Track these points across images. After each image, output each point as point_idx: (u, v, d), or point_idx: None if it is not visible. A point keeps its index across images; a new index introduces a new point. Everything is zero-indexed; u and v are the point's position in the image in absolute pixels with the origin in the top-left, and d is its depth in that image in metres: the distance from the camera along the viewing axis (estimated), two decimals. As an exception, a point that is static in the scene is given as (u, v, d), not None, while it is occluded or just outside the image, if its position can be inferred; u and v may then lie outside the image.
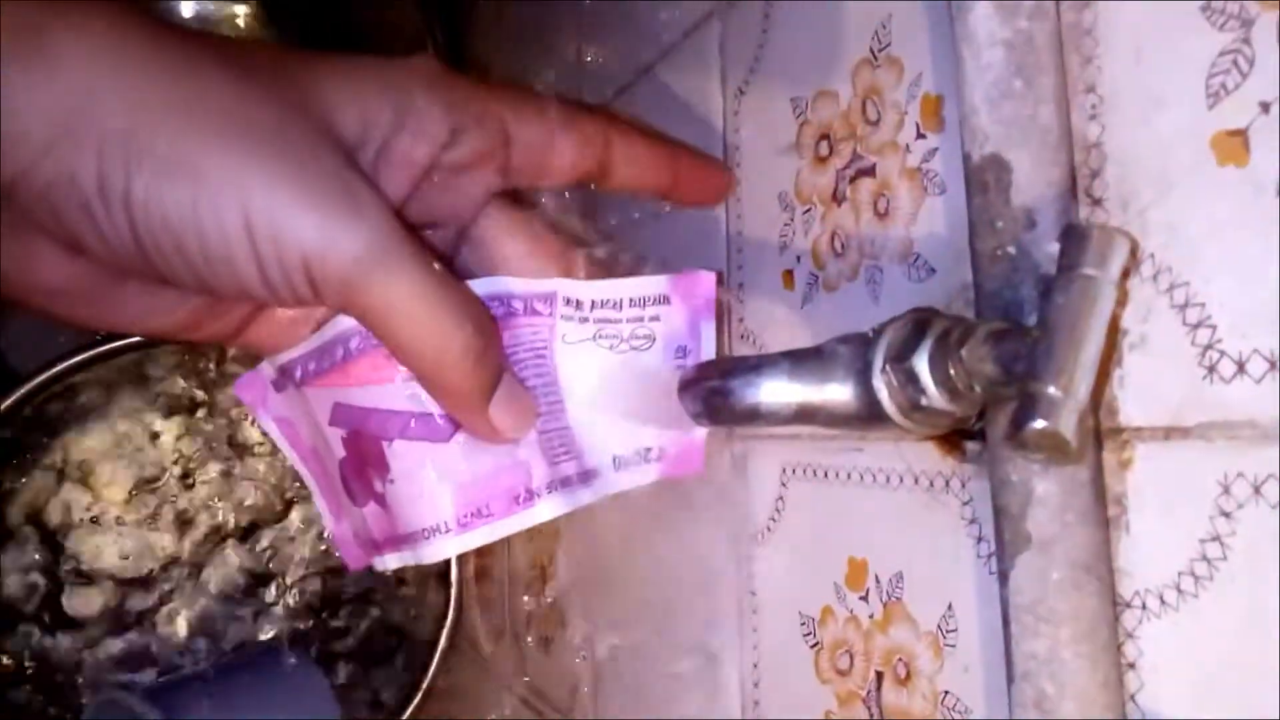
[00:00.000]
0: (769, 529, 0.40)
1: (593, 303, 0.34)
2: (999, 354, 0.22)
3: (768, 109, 0.41)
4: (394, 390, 0.31)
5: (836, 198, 0.36)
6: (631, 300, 0.35)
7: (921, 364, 0.24)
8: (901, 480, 0.33)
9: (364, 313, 0.28)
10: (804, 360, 0.26)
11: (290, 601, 0.86)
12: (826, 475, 0.37)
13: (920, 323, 0.25)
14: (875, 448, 0.34)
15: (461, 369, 0.29)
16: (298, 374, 0.33)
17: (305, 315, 0.33)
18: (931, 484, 0.31)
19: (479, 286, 0.32)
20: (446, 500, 0.32)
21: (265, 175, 0.26)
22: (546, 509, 0.33)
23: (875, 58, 0.34)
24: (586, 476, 0.34)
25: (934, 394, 0.24)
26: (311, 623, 0.85)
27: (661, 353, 0.36)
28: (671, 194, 0.38)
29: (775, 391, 0.27)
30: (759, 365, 0.27)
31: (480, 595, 0.82)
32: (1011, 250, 0.25)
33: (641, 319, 0.35)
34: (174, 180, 0.25)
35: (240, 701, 0.78)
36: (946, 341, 0.24)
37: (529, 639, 0.69)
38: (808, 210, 0.38)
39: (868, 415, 0.26)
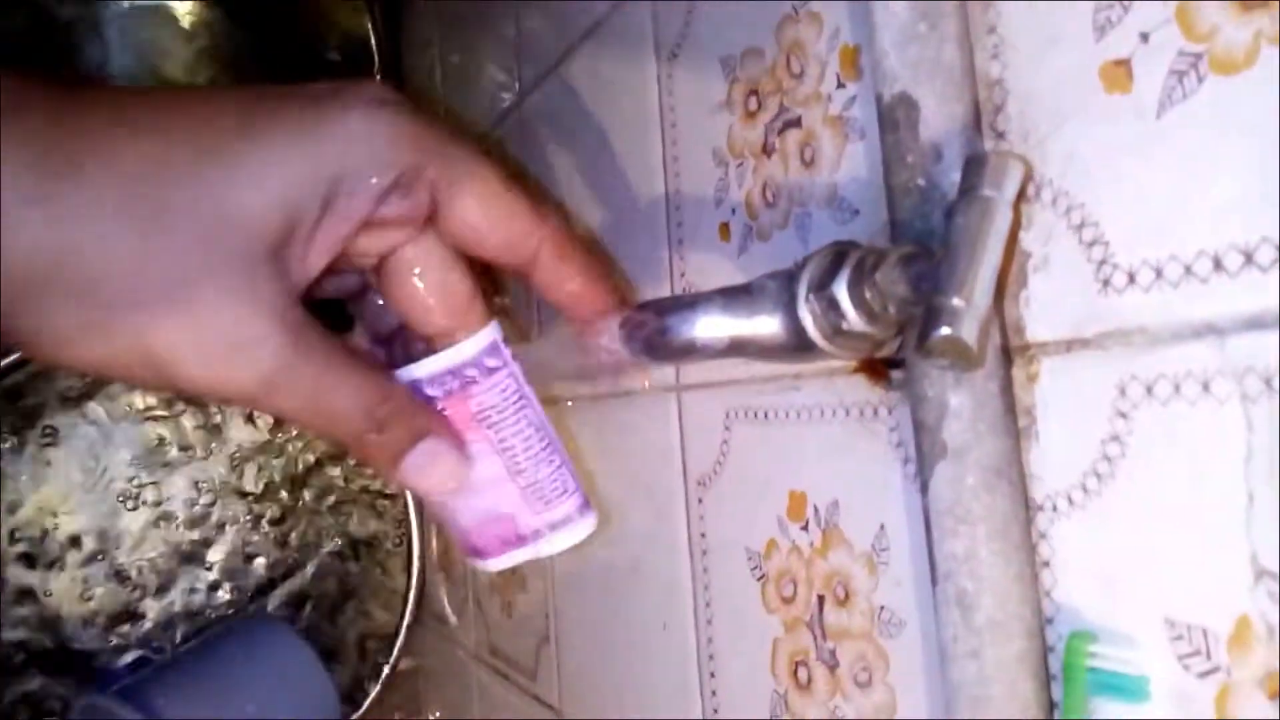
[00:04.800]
0: (715, 472, 0.42)
1: (478, 366, 0.34)
2: (909, 275, 0.24)
3: (699, 70, 0.42)
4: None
5: (766, 150, 0.38)
6: (487, 352, 0.34)
7: (840, 290, 0.26)
8: (835, 413, 0.34)
9: (275, 413, 0.30)
10: (735, 296, 0.28)
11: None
12: (766, 416, 0.38)
13: (839, 254, 0.27)
14: (811, 385, 0.36)
15: (365, 442, 0.31)
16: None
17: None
18: (862, 413, 0.33)
19: (420, 370, 0.32)
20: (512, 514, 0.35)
21: (167, 328, 0.27)
22: (547, 547, 0.34)
23: (797, 14, 0.36)
24: (586, 507, 0.34)
25: (853, 318, 0.26)
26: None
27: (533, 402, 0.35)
28: (567, 306, 0.35)
29: (709, 326, 0.28)
30: (693, 302, 0.29)
31: (445, 571, 0.83)
32: (921, 182, 0.26)
33: (510, 371, 0.34)
34: (88, 331, 0.27)
35: (216, 682, 0.79)
36: (862, 268, 0.26)
37: (494, 605, 0.70)
38: (740, 164, 0.39)
39: (796, 344, 0.27)
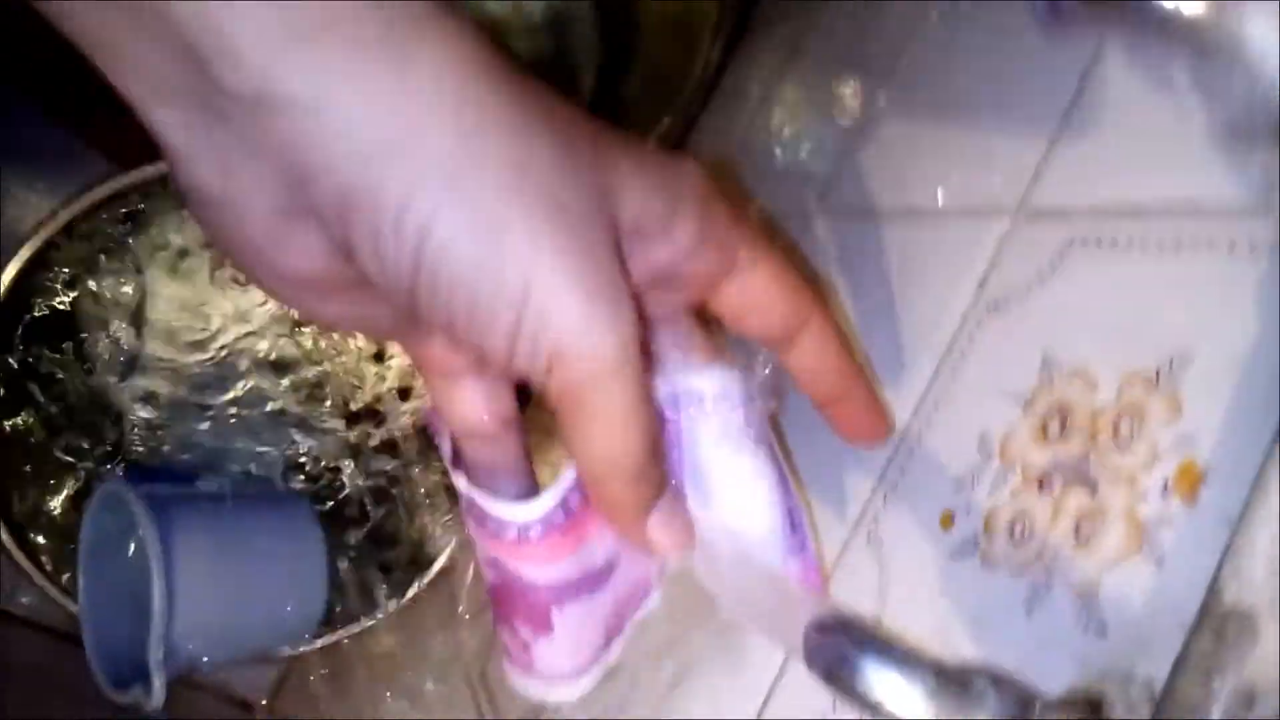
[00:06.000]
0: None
1: (714, 397, 0.35)
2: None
3: (1014, 343, 0.38)
4: (568, 564, 0.33)
5: (1042, 485, 0.34)
6: (741, 396, 0.35)
7: (1072, 782, 0.22)
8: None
9: (575, 408, 0.28)
10: (950, 684, 0.25)
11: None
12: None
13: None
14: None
15: (627, 483, 0.30)
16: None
17: (467, 357, 0.33)
18: None
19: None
20: (599, 640, 0.35)
21: (556, 251, 0.26)
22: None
23: (1157, 383, 0.32)
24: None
25: (1068, 819, 0.22)
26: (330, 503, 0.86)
27: (769, 456, 0.36)
28: (822, 405, 0.38)
29: (903, 699, 0.25)
30: (904, 659, 0.25)
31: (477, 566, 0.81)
32: (1214, 716, 0.22)
33: (750, 416, 0.35)
34: (477, 235, 0.25)
35: (235, 526, 0.79)
36: (1108, 778, 0.22)
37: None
38: (1005, 473, 0.35)
39: (982, 777, 0.24)
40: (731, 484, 0.34)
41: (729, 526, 0.34)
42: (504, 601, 0.36)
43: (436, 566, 0.83)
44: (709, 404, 0.34)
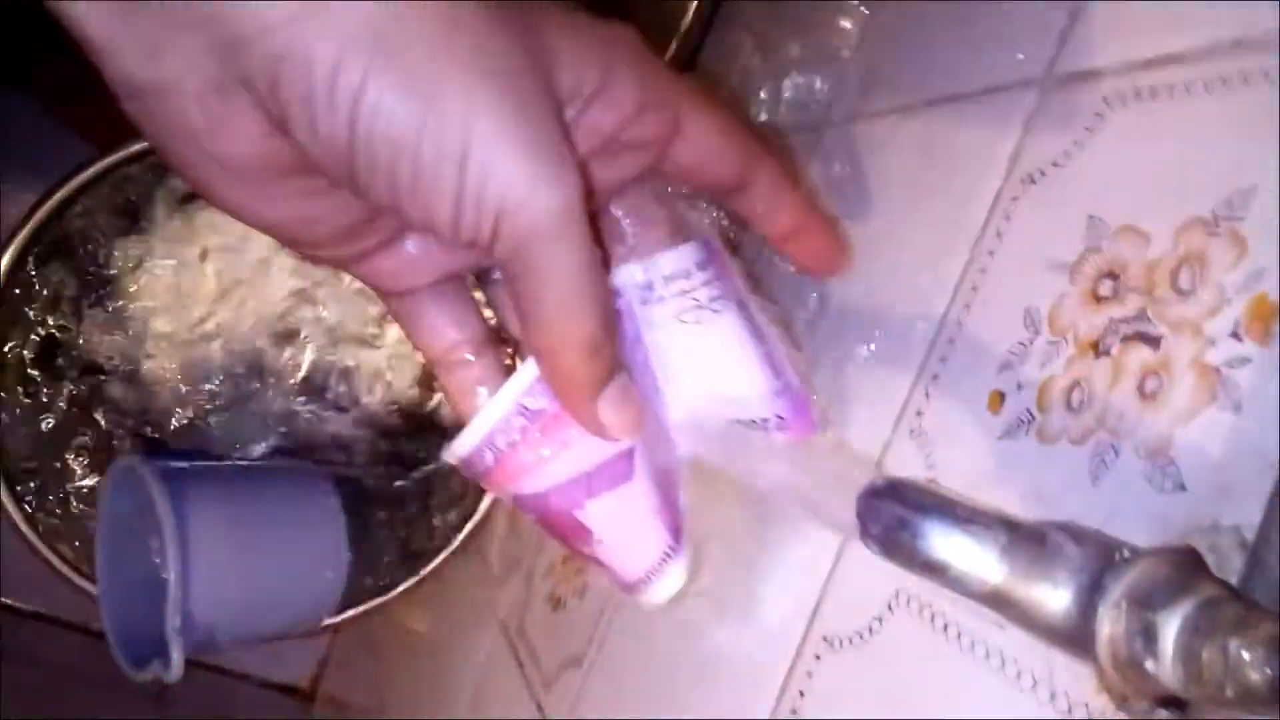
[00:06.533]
0: (853, 639, 0.36)
1: (664, 278, 0.34)
2: (1283, 671, 0.18)
3: (1054, 212, 0.36)
4: (556, 469, 0.32)
5: (1098, 349, 0.31)
6: (696, 265, 0.35)
7: (1170, 624, 0.20)
8: (1033, 684, 0.28)
9: (524, 274, 0.28)
10: (1023, 541, 0.22)
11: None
12: (934, 619, 0.33)
13: (1184, 572, 0.21)
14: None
15: (583, 355, 0.29)
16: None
17: (428, 260, 0.33)
18: (1070, 711, 0.27)
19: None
20: (659, 530, 0.33)
21: (494, 112, 0.26)
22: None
23: (1216, 224, 0.29)
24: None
25: (1168, 666, 0.20)
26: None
27: (735, 310, 0.35)
28: (780, 242, 0.38)
29: (976, 560, 0.22)
30: (969, 518, 0.23)
31: (513, 517, 0.79)
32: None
33: (709, 282, 0.35)
34: (410, 95, 0.25)
35: (251, 500, 0.77)
36: (1213, 615, 0.19)
37: (544, 589, 0.66)
38: (1055, 343, 0.33)
39: (1068, 636, 0.22)
40: (700, 357, 0.34)
41: (711, 398, 0.33)
42: (550, 528, 0.35)
43: (466, 530, 0.81)
44: (660, 287, 0.34)
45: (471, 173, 0.26)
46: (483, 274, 0.36)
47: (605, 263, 0.33)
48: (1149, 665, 0.20)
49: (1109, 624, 0.21)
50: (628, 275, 0.34)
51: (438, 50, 0.26)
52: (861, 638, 0.35)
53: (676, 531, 0.33)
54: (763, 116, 0.60)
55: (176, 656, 0.65)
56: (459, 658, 0.77)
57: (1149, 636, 0.20)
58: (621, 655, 0.52)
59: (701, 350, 0.34)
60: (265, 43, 0.25)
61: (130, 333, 0.79)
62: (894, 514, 0.24)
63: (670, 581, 0.34)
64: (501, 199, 0.27)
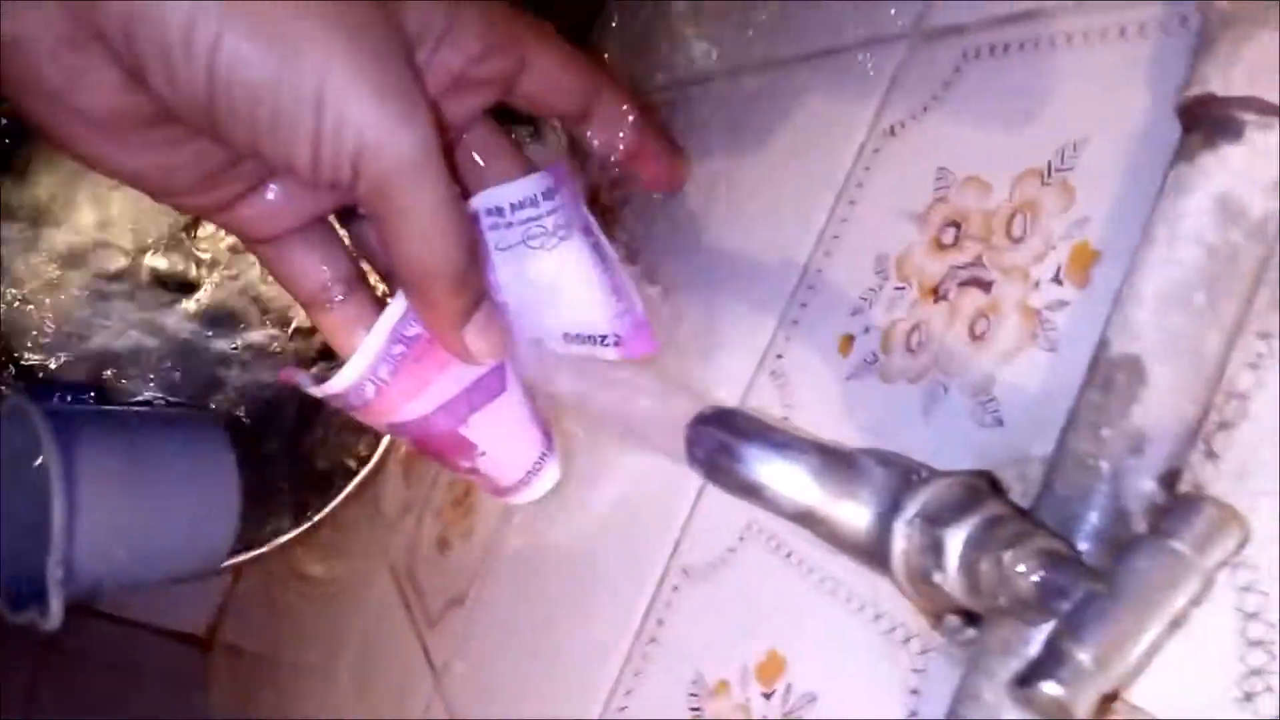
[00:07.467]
0: (707, 570, 0.37)
1: (511, 205, 0.35)
2: (1046, 581, 0.19)
3: (909, 164, 0.37)
4: (437, 390, 0.33)
5: (937, 293, 0.33)
6: (543, 194, 0.36)
7: (954, 539, 0.21)
8: (860, 606, 0.30)
9: (386, 212, 0.29)
10: (834, 464, 0.24)
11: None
12: (779, 549, 0.34)
13: (973, 493, 0.22)
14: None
15: (450, 287, 0.30)
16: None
17: (291, 204, 0.33)
18: (892, 630, 0.29)
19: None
20: (534, 434, 0.36)
21: (347, 58, 0.26)
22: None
23: (1049, 175, 0.31)
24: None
25: (952, 576, 0.21)
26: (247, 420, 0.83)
27: (580, 237, 0.37)
28: (625, 160, 0.40)
29: (790, 482, 0.24)
30: (785, 444, 0.24)
31: (406, 463, 0.79)
32: (1104, 465, 0.22)
33: (555, 210, 0.36)
34: (265, 43, 0.26)
35: (142, 446, 0.76)
36: (993, 531, 0.21)
37: (433, 533, 0.66)
38: (901, 289, 0.34)
39: (869, 552, 0.23)
40: (545, 280, 0.35)
41: (554, 317, 0.35)
42: (430, 451, 0.36)
43: (360, 475, 0.81)
44: (508, 214, 0.35)
45: (328, 117, 0.27)
46: (346, 212, 0.37)
47: (464, 195, 0.34)
48: (937, 578, 0.21)
49: (903, 540, 0.22)
50: (477, 203, 0.35)
51: (291, 1, 0.26)
52: (715, 568, 0.37)
53: (548, 434, 0.36)
54: (658, 72, 0.60)
55: (56, 605, 0.64)
56: (351, 602, 0.77)
57: (936, 551, 0.21)
58: (499, 594, 0.53)
59: (546, 273, 0.35)
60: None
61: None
62: (717, 439, 0.25)
63: (548, 478, 0.36)
64: (359, 140, 0.27)
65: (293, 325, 0.84)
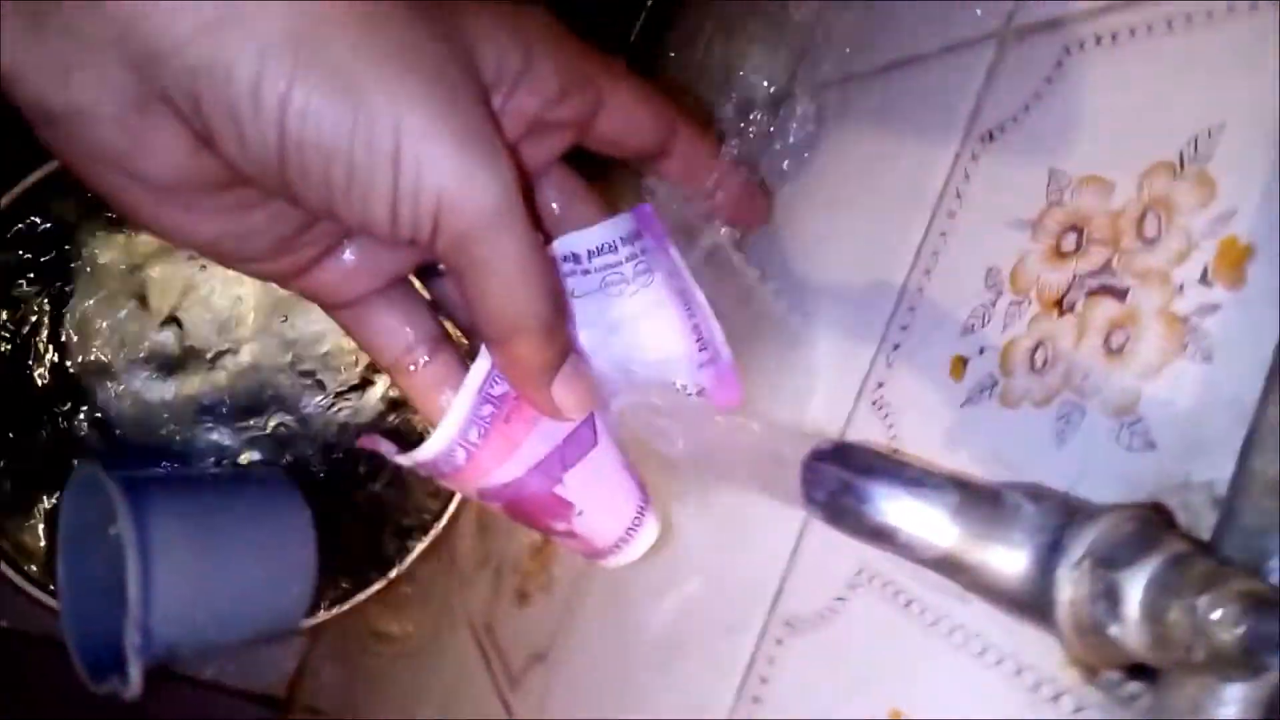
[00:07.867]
0: (815, 620, 0.34)
1: (589, 252, 0.34)
2: (1254, 631, 0.16)
3: (1013, 168, 0.34)
4: (528, 450, 0.32)
5: (1062, 306, 0.30)
6: (622, 239, 0.34)
7: (1135, 585, 0.18)
8: (999, 660, 0.27)
9: (469, 266, 0.27)
10: (977, 501, 0.21)
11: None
12: (897, 596, 0.31)
13: (1148, 528, 0.19)
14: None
15: (535, 342, 0.29)
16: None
17: (369, 265, 0.32)
18: (1037, 686, 0.25)
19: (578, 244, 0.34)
20: (631, 487, 0.34)
21: (423, 110, 0.25)
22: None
23: (1182, 167, 0.28)
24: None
25: (1133, 627, 0.18)
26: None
27: (663, 282, 0.35)
28: (707, 197, 0.39)
29: (926, 523, 0.21)
30: (918, 480, 0.21)
31: (481, 514, 0.77)
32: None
33: (635, 255, 0.34)
34: (336, 97, 0.24)
35: (216, 508, 0.75)
36: (1181, 573, 0.18)
37: (511, 585, 0.64)
38: (1018, 303, 0.31)
39: (1025, 602, 0.20)
40: (625, 328, 0.34)
41: (637, 366, 0.33)
42: (523, 515, 0.34)
43: (435, 530, 0.79)
44: (586, 260, 0.33)
45: (406, 170, 0.26)
46: (425, 271, 0.35)
47: (546, 243, 0.32)
48: (1113, 630, 0.18)
49: (1070, 586, 0.19)
50: (553, 250, 0.33)
51: (360, 48, 0.25)
52: (823, 618, 0.34)
53: (642, 486, 0.34)
54: (725, 98, 0.58)
55: (135, 674, 0.63)
56: (429, 659, 0.75)
57: (1112, 598, 0.18)
58: (585, 649, 0.51)
59: (626, 321, 0.33)
60: (181, 56, 0.24)
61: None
62: (838, 478, 0.22)
63: (647, 536, 0.34)
64: (438, 193, 0.26)
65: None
